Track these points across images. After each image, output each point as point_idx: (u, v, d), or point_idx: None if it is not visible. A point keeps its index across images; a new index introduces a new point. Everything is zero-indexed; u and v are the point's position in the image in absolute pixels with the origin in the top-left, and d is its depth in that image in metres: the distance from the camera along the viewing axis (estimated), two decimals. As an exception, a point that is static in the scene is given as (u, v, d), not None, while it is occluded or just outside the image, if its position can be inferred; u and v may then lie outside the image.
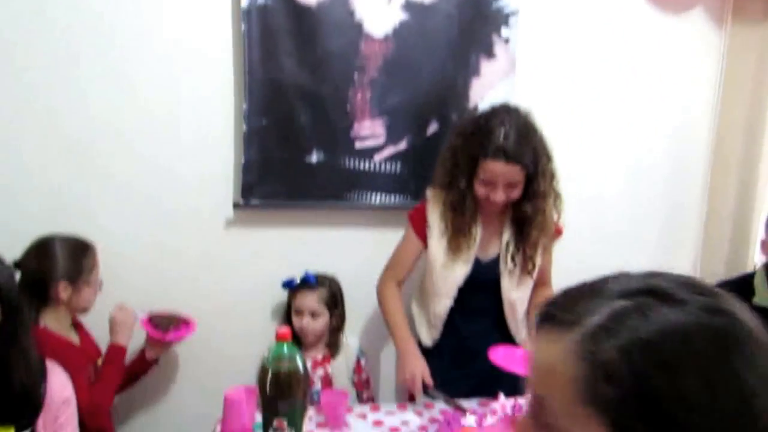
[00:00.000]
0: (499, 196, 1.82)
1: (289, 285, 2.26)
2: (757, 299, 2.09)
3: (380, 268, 2.10)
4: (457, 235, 1.91)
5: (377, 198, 2.39)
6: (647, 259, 2.71)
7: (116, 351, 2.01)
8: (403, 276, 2.04)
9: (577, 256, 2.46)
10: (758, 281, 2.12)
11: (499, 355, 1.85)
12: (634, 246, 2.69)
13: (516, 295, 1.99)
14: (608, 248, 2.65)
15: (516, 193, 1.85)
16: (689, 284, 0.65)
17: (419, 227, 1.99)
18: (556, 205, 1.92)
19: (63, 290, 1.87)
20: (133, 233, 2.27)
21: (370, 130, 2.34)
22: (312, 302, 2.20)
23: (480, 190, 1.84)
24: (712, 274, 2.65)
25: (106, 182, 2.23)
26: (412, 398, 1.88)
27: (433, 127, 2.37)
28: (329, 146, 2.32)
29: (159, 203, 2.27)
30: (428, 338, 2.06)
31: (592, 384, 0.61)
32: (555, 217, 1.95)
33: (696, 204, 2.70)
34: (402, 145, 2.36)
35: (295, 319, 2.22)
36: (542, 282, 2.06)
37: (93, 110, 2.17)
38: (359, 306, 2.38)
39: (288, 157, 2.29)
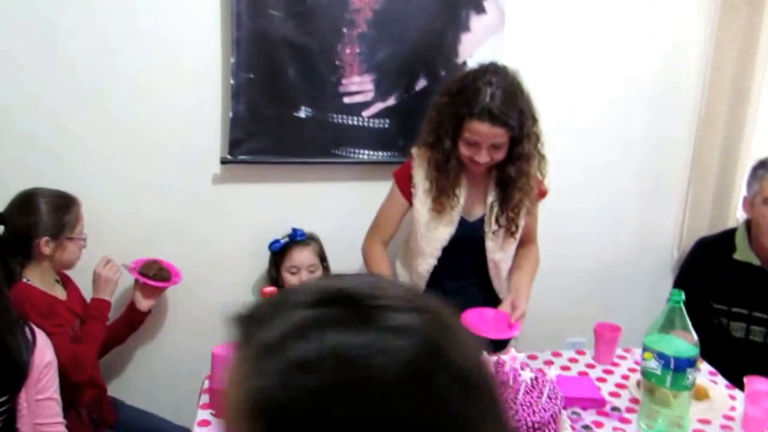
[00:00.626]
0: (483, 157, 1.81)
1: (276, 246, 2.24)
2: (738, 255, 2.14)
3: (367, 224, 2.10)
4: (441, 196, 1.91)
5: (365, 154, 2.38)
6: (634, 216, 2.74)
7: (101, 306, 2.02)
8: (388, 235, 2.05)
9: (567, 216, 2.50)
10: (739, 238, 2.16)
11: (470, 319, 1.86)
12: (621, 203, 2.71)
13: (500, 256, 2.01)
14: (597, 206, 2.67)
15: (500, 155, 1.84)
16: (395, 296, 0.54)
17: (404, 186, 1.99)
18: (540, 167, 1.92)
19: (45, 246, 1.87)
20: (120, 188, 2.26)
21: (358, 86, 2.31)
22: (309, 257, 2.20)
23: (464, 150, 1.84)
24: (697, 229, 2.69)
25: (93, 136, 2.20)
26: None
27: (421, 83, 2.35)
28: (318, 101, 2.29)
29: (146, 158, 2.26)
30: None
31: (248, 414, 0.50)
32: (539, 177, 1.95)
33: (682, 162, 2.72)
34: (390, 101, 2.34)
35: (289, 278, 2.20)
36: (527, 240, 2.08)
37: (76, 65, 2.13)
38: (346, 261, 2.39)
39: (276, 112, 2.27)
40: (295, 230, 2.24)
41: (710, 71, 2.59)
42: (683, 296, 1.51)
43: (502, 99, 1.75)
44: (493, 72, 1.80)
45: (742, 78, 2.55)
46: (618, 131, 2.62)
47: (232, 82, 2.20)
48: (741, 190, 2.69)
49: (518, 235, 2.00)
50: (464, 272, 2.05)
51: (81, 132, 2.18)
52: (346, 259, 2.34)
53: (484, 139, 1.79)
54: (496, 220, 1.95)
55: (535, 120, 1.86)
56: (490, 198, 1.96)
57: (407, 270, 2.10)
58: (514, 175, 1.88)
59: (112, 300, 2.06)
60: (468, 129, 1.79)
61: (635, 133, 2.64)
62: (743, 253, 2.13)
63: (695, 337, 1.51)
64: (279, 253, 2.23)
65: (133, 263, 2.16)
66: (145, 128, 2.23)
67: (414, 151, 1.99)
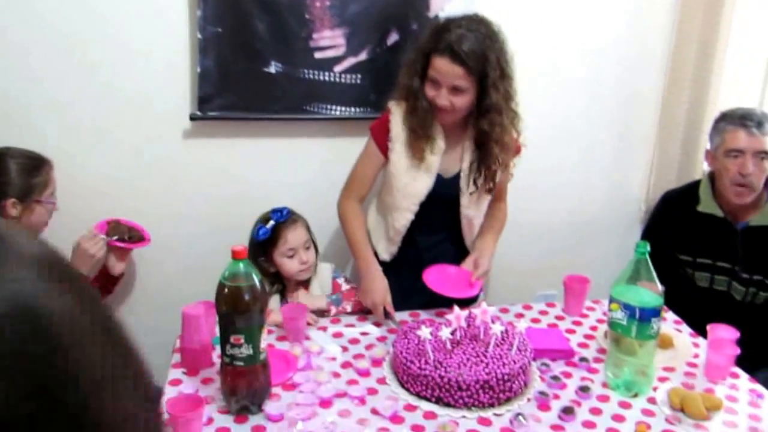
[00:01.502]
0: (443, 99, 1.80)
1: (264, 232, 1.97)
2: (701, 207, 2.17)
3: (340, 181, 2.08)
4: (419, 140, 1.89)
5: (337, 110, 2.35)
6: (604, 170, 2.76)
7: None
8: (364, 191, 2.03)
9: (538, 170, 2.49)
10: (703, 190, 2.19)
11: (431, 277, 1.88)
12: (591, 158, 2.72)
13: (473, 212, 2.02)
14: (568, 161, 2.68)
15: (461, 101, 1.82)
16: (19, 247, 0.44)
17: (381, 139, 1.97)
18: (514, 124, 1.91)
19: (12, 208, 1.83)
20: (88, 146, 2.22)
21: (329, 41, 2.27)
22: (303, 233, 2.00)
23: (428, 90, 1.83)
24: (665, 182, 2.72)
25: (62, 93, 2.15)
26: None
27: (393, 38, 2.31)
28: (288, 57, 2.25)
29: (113, 117, 2.21)
30: (386, 253, 2.07)
31: None
32: (515, 135, 1.94)
33: (650, 116, 2.73)
34: (362, 56, 2.31)
35: (288, 263, 1.97)
36: (498, 198, 2.08)
37: (44, 20, 2.07)
38: (318, 218, 2.38)
39: (245, 67, 2.23)
40: (277, 211, 2.00)
41: (678, 23, 2.58)
42: (648, 248, 1.53)
43: (471, 42, 1.75)
44: (469, 19, 1.80)
45: (709, 31, 2.55)
46: (588, 86, 2.61)
47: (199, 36, 2.15)
48: (707, 143, 2.73)
49: (494, 192, 2.00)
50: (438, 228, 2.05)
51: (48, 90, 2.13)
52: (318, 216, 2.33)
53: (443, 77, 1.78)
54: (474, 179, 1.95)
55: (505, 74, 1.83)
56: (468, 156, 1.96)
57: (383, 225, 2.08)
58: (487, 128, 1.87)
59: (89, 275, 2.02)
60: (432, 66, 1.80)
61: (605, 87, 2.63)
62: (707, 205, 2.16)
63: (660, 287, 1.54)
64: (270, 239, 1.97)
65: (97, 228, 2.11)
66: (110, 85, 2.18)
67: (391, 104, 1.97)
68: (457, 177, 1.98)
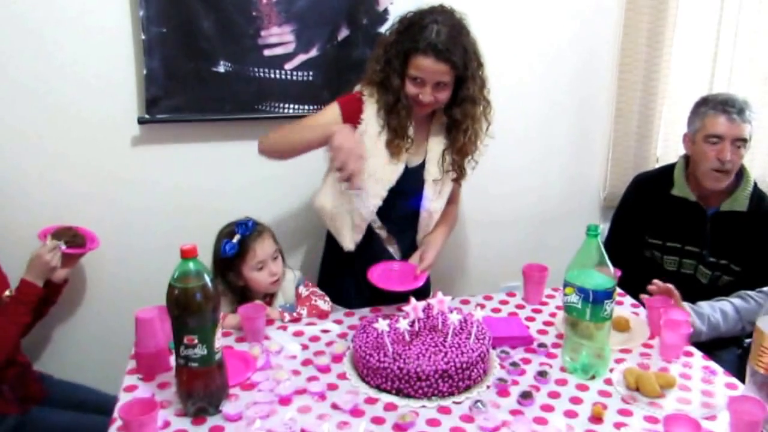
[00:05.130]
0: (427, 96, 1.82)
1: (230, 248, 1.88)
2: (675, 191, 2.20)
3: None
4: (395, 138, 1.89)
5: (290, 108, 2.33)
6: (563, 161, 2.80)
7: (28, 291, 1.91)
8: None
9: (500, 166, 2.51)
10: (677, 173, 2.21)
11: (376, 275, 1.88)
12: (550, 151, 2.76)
13: (436, 206, 2.01)
14: (528, 155, 2.72)
15: (444, 96, 1.85)
16: None
17: (351, 118, 1.90)
18: (485, 113, 1.93)
19: None
20: (35, 151, 2.17)
21: (278, 37, 2.25)
22: (270, 244, 1.94)
23: (410, 88, 1.84)
24: (622, 169, 2.78)
25: (7, 97, 2.10)
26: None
27: (343, 33, 2.30)
28: (237, 55, 2.23)
29: (59, 124, 2.16)
30: (351, 242, 2.02)
31: None
32: (485, 126, 1.95)
33: (605, 106, 2.77)
34: (313, 52, 2.29)
35: (258, 276, 1.91)
36: (452, 200, 2.09)
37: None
38: (279, 223, 2.36)
39: (193, 67, 2.20)
40: (241, 224, 1.91)
41: (625, 18, 2.64)
42: (600, 230, 1.55)
43: (447, 36, 1.77)
44: (439, 11, 1.82)
45: (657, 19, 2.61)
46: (545, 85, 2.66)
47: (143, 37, 2.11)
48: (660, 130, 2.79)
49: (462, 181, 2.03)
50: (398, 220, 2.04)
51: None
52: (278, 221, 2.31)
53: (428, 75, 1.79)
54: (446, 169, 1.96)
55: (480, 64, 1.87)
56: (435, 144, 1.97)
57: (347, 212, 1.99)
58: (460, 118, 1.90)
59: (41, 285, 1.94)
60: (413, 65, 1.80)
61: (561, 85, 2.68)
62: (680, 189, 2.19)
63: (612, 269, 1.55)
64: (237, 254, 1.89)
65: (43, 231, 2.05)
66: (55, 92, 2.13)
67: (363, 89, 1.94)
68: (421, 167, 1.98)
